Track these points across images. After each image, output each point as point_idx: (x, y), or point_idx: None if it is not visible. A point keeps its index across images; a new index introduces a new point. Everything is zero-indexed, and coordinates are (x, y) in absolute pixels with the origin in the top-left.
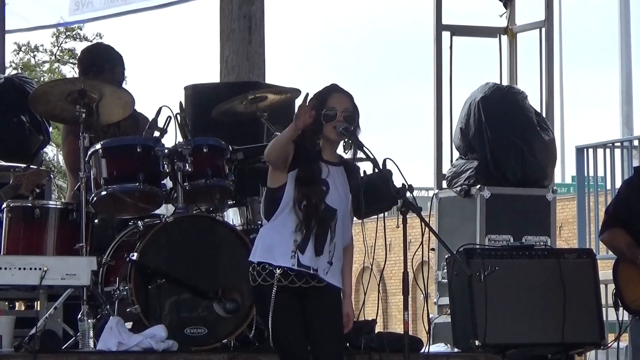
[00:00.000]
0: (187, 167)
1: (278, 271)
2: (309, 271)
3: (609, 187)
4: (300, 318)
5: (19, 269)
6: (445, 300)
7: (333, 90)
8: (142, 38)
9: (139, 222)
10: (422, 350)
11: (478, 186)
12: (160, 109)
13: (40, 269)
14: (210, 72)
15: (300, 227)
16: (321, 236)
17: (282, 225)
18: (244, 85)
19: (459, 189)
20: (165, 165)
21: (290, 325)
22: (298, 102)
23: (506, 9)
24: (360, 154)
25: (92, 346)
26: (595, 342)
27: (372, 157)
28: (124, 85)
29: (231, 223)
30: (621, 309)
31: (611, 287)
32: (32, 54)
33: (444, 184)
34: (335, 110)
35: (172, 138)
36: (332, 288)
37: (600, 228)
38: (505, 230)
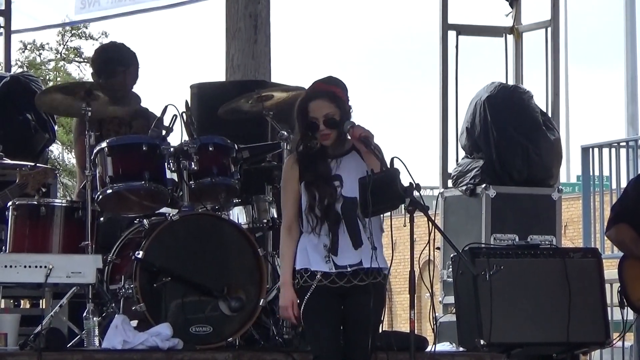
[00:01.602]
0: (193, 166)
1: (319, 273)
2: (346, 270)
3: (614, 186)
4: (334, 315)
5: (25, 266)
6: (451, 299)
7: (310, 98)
8: (148, 36)
9: (145, 220)
10: (428, 349)
11: (483, 185)
12: (166, 107)
13: (45, 267)
14: (216, 71)
15: (319, 230)
16: (353, 228)
17: (309, 232)
18: (249, 84)
19: (464, 188)
20: (171, 164)
21: (320, 323)
22: None
23: (512, 8)
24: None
25: (97, 344)
26: (600, 342)
27: (379, 155)
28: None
29: (237, 221)
30: (626, 307)
31: (616, 286)
32: (37, 52)
33: (450, 183)
34: (316, 120)
35: (178, 136)
36: (375, 285)
37: (606, 224)
38: (510, 230)
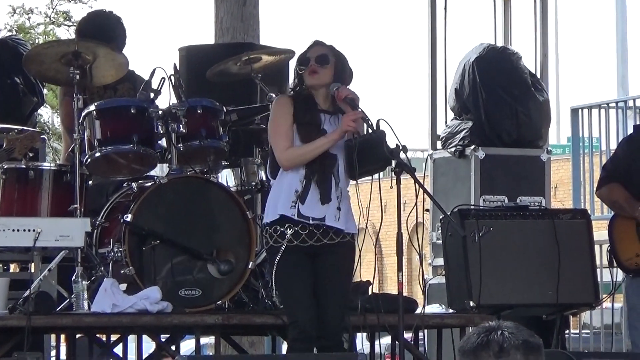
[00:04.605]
0: (181, 129)
1: (289, 232)
2: (308, 222)
3: (604, 147)
4: (306, 276)
5: (13, 230)
6: (440, 261)
7: (312, 45)
8: None
9: (133, 183)
10: (417, 311)
11: (472, 147)
12: (154, 70)
13: (34, 230)
14: (204, 34)
15: (300, 178)
16: (325, 183)
17: (283, 178)
18: (238, 46)
19: (453, 149)
20: (159, 127)
21: (292, 283)
22: (292, 63)
23: None
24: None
25: (87, 308)
26: (589, 303)
27: (366, 117)
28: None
29: (225, 184)
30: (616, 267)
31: (606, 247)
32: (26, 16)
33: (439, 144)
34: (308, 58)
35: (166, 99)
36: (344, 244)
37: (597, 184)
38: (499, 191)
